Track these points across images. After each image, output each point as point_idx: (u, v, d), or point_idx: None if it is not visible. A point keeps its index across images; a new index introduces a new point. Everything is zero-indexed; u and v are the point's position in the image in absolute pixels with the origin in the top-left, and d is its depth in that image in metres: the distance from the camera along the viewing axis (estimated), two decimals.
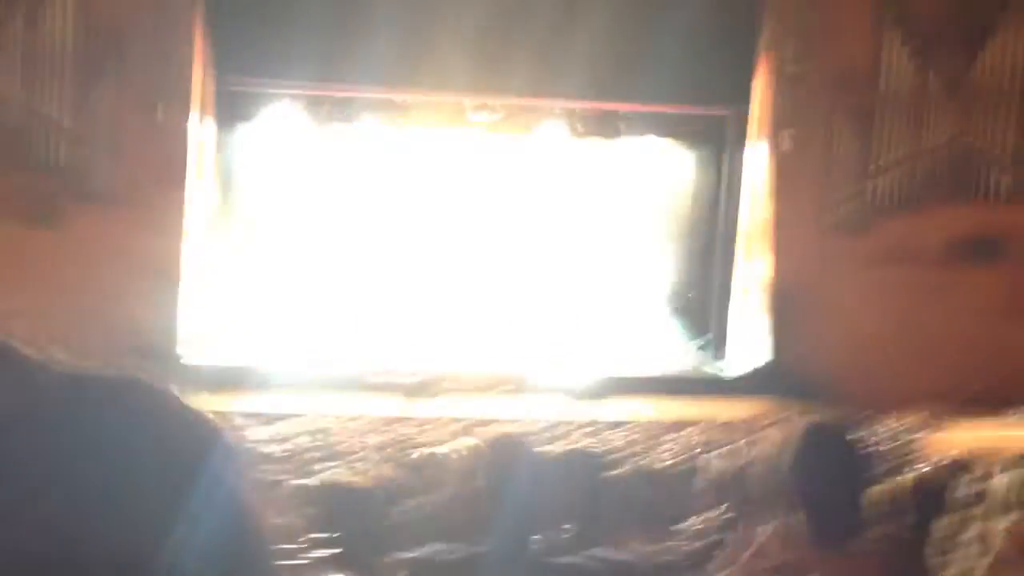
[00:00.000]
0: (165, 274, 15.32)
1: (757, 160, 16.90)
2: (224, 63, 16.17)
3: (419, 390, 15.00)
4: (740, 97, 17.24)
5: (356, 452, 8.42)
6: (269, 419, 11.71)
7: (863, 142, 16.65)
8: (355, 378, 15.33)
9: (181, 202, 15.63)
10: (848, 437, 2.00)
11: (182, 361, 15.55)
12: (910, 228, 16.30)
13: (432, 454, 3.55)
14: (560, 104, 18.18)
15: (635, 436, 10.62)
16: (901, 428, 10.73)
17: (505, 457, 2.22)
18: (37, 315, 13.95)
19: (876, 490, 3.24)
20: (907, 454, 8.53)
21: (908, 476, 5.47)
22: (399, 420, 12.04)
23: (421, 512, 3.39)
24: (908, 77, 16.48)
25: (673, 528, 4.54)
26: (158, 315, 15.20)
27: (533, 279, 19.94)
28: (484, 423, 11.64)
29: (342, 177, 19.09)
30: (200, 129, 16.22)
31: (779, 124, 16.55)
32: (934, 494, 4.94)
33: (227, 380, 15.19)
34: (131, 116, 15.40)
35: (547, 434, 10.64)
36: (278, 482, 5.10)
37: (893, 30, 16.47)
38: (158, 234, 15.16)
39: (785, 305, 16.56)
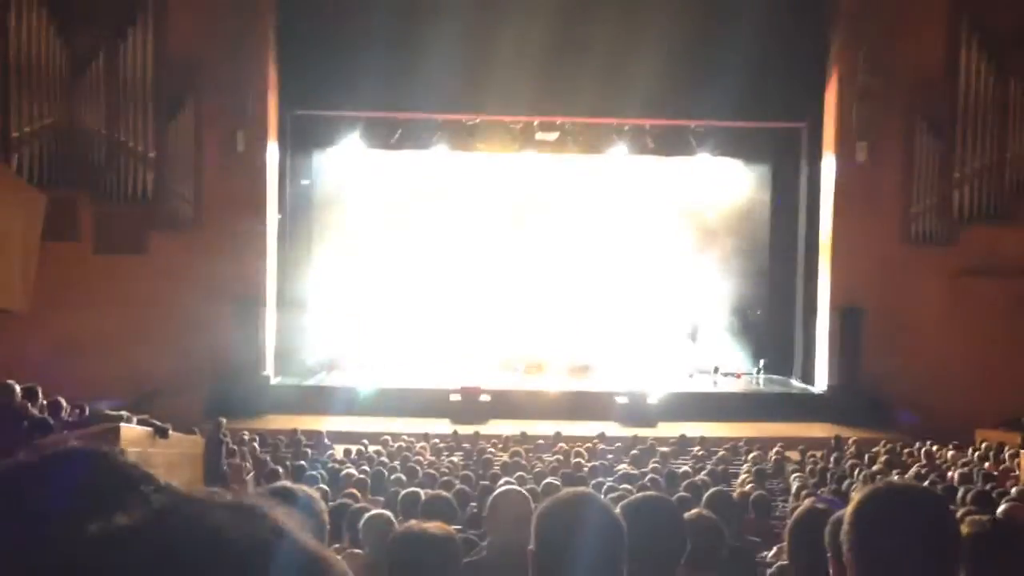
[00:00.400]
0: (249, 298, 15.81)
1: (832, 173, 16.59)
2: (297, 91, 16.59)
3: (492, 410, 15.06)
4: (814, 110, 17.12)
5: (434, 471, 8.49)
6: (351, 438, 11.90)
7: (944, 151, 16.18)
8: (431, 398, 15.52)
9: (262, 227, 16.06)
10: (921, 505, 1.87)
11: (269, 382, 16.19)
12: (997, 239, 15.74)
13: (500, 496, 3.54)
14: (629, 121, 18.15)
15: (711, 458, 10.46)
16: (994, 450, 10.31)
17: (570, 513, 2.18)
18: (127, 339, 14.52)
19: (970, 525, 3.09)
20: (1002, 476, 8.20)
21: (1003, 507, 5.25)
22: (474, 439, 12.09)
23: (486, 561, 3.37)
24: (988, 84, 16.00)
25: (758, 560, 4.46)
26: (243, 338, 15.66)
27: (599, 296, 19.86)
28: (555, 442, 11.63)
29: (413, 199, 19.36)
30: (276, 156, 16.72)
31: (854, 136, 16.24)
32: None
33: (312, 400, 15.66)
34: (210, 145, 15.93)
35: (620, 454, 10.57)
36: (360, 510, 5.15)
37: (969, 37, 16.02)
38: (241, 259, 15.65)
39: (862, 322, 16.15)
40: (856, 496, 1.86)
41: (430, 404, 15.24)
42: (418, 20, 15.85)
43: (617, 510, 2.47)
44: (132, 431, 8.80)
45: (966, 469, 8.77)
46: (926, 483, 7.82)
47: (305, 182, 17.99)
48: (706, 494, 5.73)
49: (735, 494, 6.25)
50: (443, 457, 10.47)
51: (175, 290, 15.19)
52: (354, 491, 7.01)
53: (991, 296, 15.61)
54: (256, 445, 10.88)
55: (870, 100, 15.99)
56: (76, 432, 8.18)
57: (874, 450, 10.76)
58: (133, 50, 15.49)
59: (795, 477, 8.05)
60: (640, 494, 2.71)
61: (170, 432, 9.54)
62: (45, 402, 8.07)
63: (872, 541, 1.78)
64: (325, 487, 6.94)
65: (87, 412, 9.09)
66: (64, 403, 8.45)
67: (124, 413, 9.59)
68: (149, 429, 9.25)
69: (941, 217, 16.17)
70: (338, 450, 10.83)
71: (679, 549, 2.65)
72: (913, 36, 15.99)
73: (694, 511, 3.63)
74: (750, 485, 7.40)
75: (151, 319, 15.01)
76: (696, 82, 16.12)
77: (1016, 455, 9.56)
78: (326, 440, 11.54)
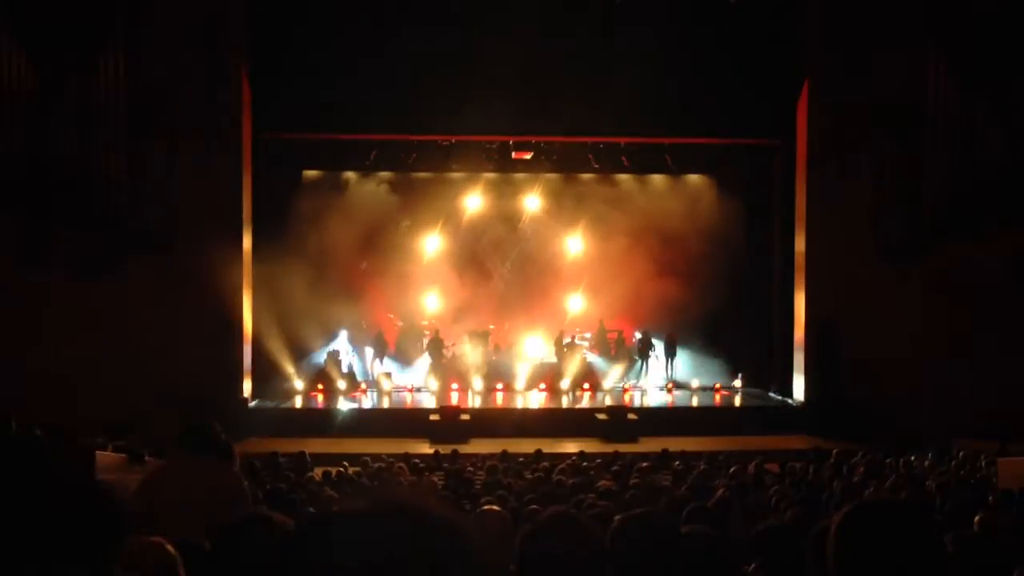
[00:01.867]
0: (225, 320, 15.66)
1: (805, 189, 16.75)
2: (271, 114, 16.52)
3: (472, 429, 15.00)
4: (787, 128, 17.22)
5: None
6: (331, 460, 11.78)
7: (913, 167, 16.37)
8: (410, 419, 15.44)
9: (237, 250, 16.07)
10: (906, 520, 1.88)
11: (247, 405, 15.95)
12: (967, 253, 15.93)
13: (477, 518, 3.48)
14: (605, 140, 18.26)
15: (691, 473, 10.46)
16: (971, 458, 10.39)
17: (552, 535, 2.17)
18: (103, 364, 14.25)
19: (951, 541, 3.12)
20: (979, 485, 8.27)
21: (981, 515, 5.29)
22: (453, 458, 12.04)
23: None
24: (956, 100, 16.22)
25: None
26: (221, 360, 15.53)
27: (578, 312, 19.94)
28: (536, 460, 11.59)
29: (387, 219, 19.37)
30: (251, 179, 16.64)
31: (826, 152, 16.43)
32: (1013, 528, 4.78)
33: (290, 422, 15.53)
34: (184, 169, 15.80)
35: (601, 470, 10.55)
36: None
37: (937, 55, 16.26)
38: (216, 282, 15.49)
39: (838, 335, 16.27)
40: (841, 511, 1.88)
41: (409, 424, 15.17)
42: (392, 43, 15.90)
43: (614, 525, 2.46)
44: (107, 457, 8.69)
45: (944, 478, 8.83)
46: (903, 494, 7.87)
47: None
48: (686, 509, 5.73)
49: (710, 507, 6.25)
50: (423, 477, 10.40)
51: (150, 314, 15.02)
52: None
53: (963, 307, 15.79)
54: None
55: (842, 118, 16.21)
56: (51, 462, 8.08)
57: (852, 461, 10.81)
58: (104, 73, 15.31)
59: (774, 490, 8.06)
60: (635, 511, 2.69)
61: (146, 458, 9.42)
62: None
63: (856, 555, 1.79)
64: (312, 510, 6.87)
65: (61, 441, 8.97)
66: (38, 432, 8.33)
67: (99, 439, 9.47)
68: (124, 455, 9.14)
69: (913, 231, 16.36)
70: (317, 472, 10.72)
71: (675, 566, 2.63)
72: (883, 53, 16.24)
73: (689, 527, 3.63)
74: (726, 496, 7.40)
75: (126, 343, 14.82)
76: (670, 101, 16.28)
77: (993, 463, 9.64)
78: (308, 461, 11.42)
